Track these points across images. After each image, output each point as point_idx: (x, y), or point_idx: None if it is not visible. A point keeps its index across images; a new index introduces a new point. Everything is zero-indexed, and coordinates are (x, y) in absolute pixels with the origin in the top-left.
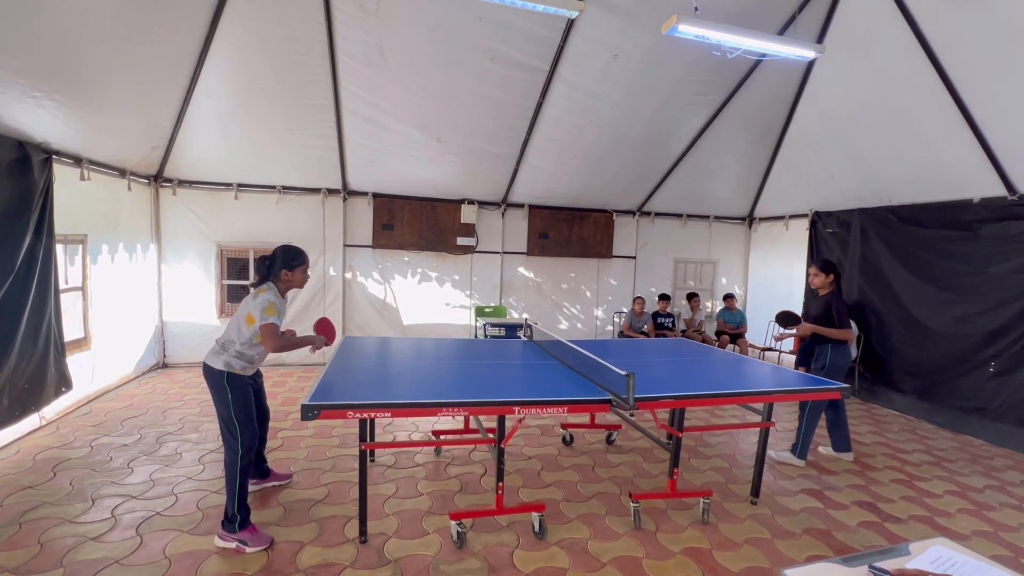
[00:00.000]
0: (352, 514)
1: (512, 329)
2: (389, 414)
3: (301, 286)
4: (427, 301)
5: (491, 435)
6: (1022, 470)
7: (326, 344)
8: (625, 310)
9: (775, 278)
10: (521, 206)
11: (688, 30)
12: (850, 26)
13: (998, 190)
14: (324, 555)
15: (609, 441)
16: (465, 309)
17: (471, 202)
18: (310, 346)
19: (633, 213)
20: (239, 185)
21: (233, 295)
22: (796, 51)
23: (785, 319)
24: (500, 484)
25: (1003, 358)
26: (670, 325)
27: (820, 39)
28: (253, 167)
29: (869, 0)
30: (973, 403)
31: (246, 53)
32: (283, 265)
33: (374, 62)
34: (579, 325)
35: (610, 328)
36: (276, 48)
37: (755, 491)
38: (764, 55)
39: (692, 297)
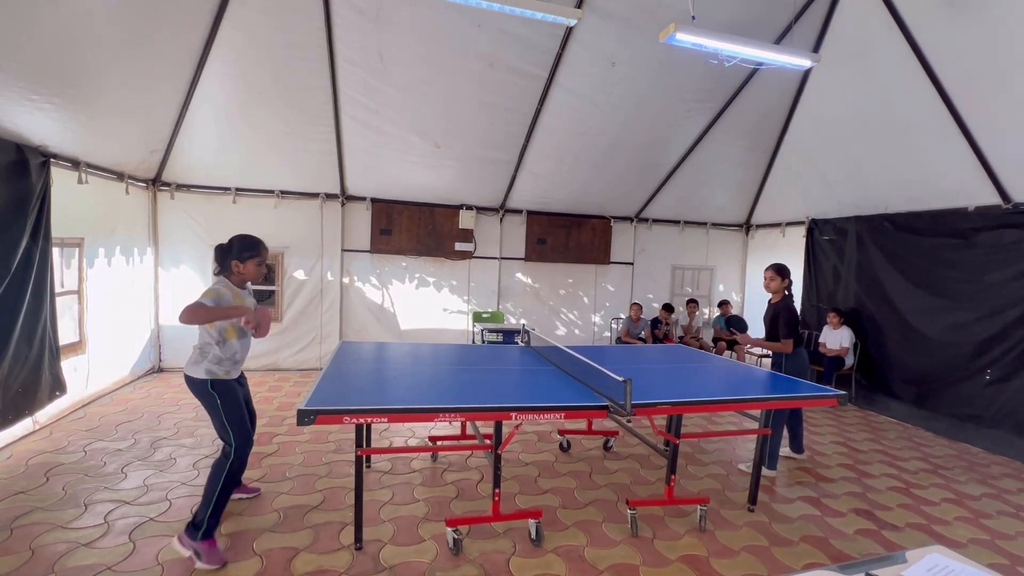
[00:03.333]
0: (347, 520)
1: (510, 335)
2: (386, 419)
3: (256, 279)
4: (425, 306)
5: (488, 441)
6: (1019, 478)
7: (255, 327)
8: (623, 316)
9: None
10: (519, 212)
11: (686, 38)
12: (846, 36)
13: (993, 199)
14: (319, 562)
15: (607, 447)
16: (463, 314)
17: (469, 207)
18: (241, 317)
19: (631, 219)
20: (237, 189)
21: None
22: (793, 60)
23: (736, 324)
24: (497, 491)
25: (999, 365)
26: (666, 332)
27: (816, 48)
28: (251, 171)
29: (865, 11)
30: (970, 410)
31: (246, 58)
32: (234, 256)
33: (373, 67)
34: (576, 331)
35: (607, 334)
36: (276, 53)
37: (752, 498)
38: (761, 63)
39: (690, 303)
